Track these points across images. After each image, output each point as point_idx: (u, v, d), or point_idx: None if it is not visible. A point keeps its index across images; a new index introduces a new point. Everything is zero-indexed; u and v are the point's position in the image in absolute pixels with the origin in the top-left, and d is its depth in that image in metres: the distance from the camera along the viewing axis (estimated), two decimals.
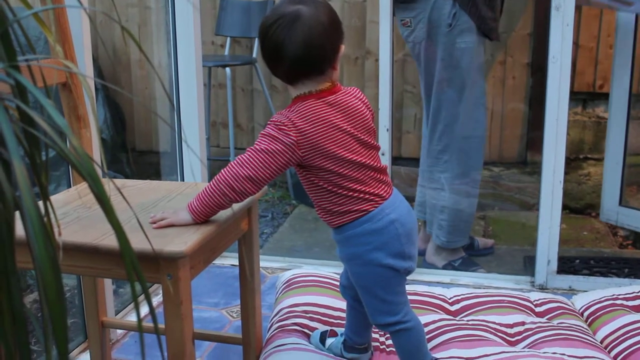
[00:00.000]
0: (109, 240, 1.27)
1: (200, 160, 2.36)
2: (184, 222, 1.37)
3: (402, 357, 1.56)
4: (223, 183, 1.37)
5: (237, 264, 1.65)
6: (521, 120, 3.97)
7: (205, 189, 1.38)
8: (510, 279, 2.44)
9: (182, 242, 1.26)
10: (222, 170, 1.38)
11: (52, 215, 0.75)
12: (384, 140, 2.39)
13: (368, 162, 1.43)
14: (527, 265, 2.61)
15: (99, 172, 1.62)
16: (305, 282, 2.03)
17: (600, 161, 3.63)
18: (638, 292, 2.05)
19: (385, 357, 1.73)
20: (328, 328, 1.78)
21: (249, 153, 1.38)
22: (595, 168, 3.82)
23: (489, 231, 3.35)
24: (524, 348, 1.77)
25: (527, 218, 3.40)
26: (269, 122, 1.39)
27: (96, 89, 3.84)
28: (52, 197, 1.56)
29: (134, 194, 1.60)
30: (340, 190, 1.42)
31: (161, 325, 1.32)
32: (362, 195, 1.43)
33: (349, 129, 1.41)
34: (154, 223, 1.36)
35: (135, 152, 4.31)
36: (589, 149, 3.99)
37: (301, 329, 1.79)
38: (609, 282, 2.31)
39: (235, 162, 1.38)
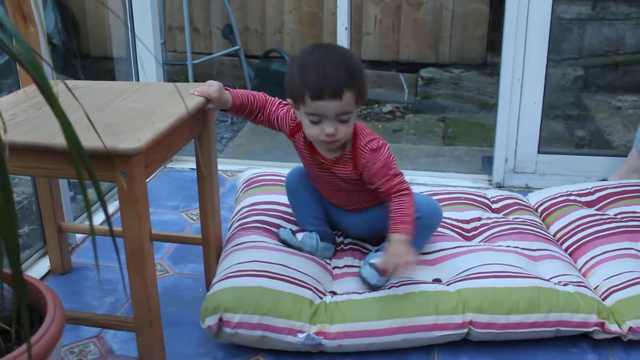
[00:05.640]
0: (61, 139, 1.24)
1: (155, 58, 2.29)
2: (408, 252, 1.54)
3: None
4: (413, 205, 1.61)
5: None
6: (482, 21, 3.94)
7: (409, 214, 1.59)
8: (468, 177, 2.48)
9: (136, 139, 1.24)
10: (406, 197, 1.60)
11: None
12: (343, 39, 2.35)
13: None
14: (486, 165, 2.64)
15: (49, 71, 1.56)
16: (267, 182, 2.02)
17: (560, 63, 3.64)
18: (591, 189, 2.10)
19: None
20: (295, 227, 1.79)
21: (401, 177, 1.62)
22: (555, 70, 3.83)
23: (449, 133, 3.37)
24: (479, 242, 1.81)
25: (486, 119, 3.42)
26: (378, 148, 1.60)
27: None
28: None
29: (86, 94, 1.55)
30: None
31: (120, 228, 1.32)
32: None
33: None
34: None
35: (89, 58, 4.18)
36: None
37: (262, 225, 1.80)
38: (564, 180, 2.35)
39: (408, 186, 1.62)
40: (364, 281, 1.61)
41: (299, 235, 1.73)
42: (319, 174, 1.69)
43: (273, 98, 1.68)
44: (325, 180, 1.69)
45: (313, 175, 1.73)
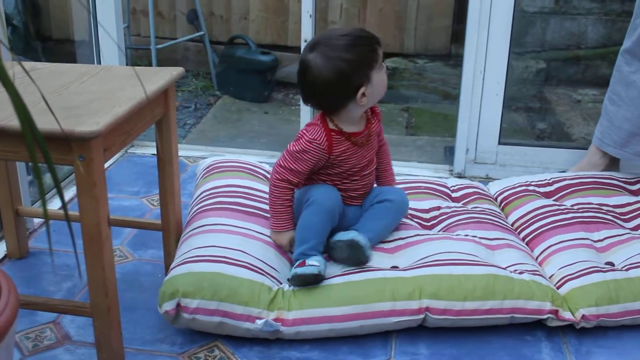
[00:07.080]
0: (17, 121, 1.22)
1: (118, 45, 2.27)
2: None
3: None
4: None
5: None
6: (447, 12, 3.96)
7: None
8: (430, 167, 2.50)
9: (94, 122, 1.22)
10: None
11: None
12: (307, 27, 2.34)
13: None
14: (447, 155, 2.66)
15: (5, 52, 1.53)
16: (227, 168, 2.01)
17: (522, 55, 3.68)
18: (550, 180, 2.14)
19: None
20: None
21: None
22: (517, 62, 3.87)
23: (412, 122, 3.39)
24: (439, 231, 1.83)
25: (449, 110, 3.44)
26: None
27: None
28: None
29: (44, 77, 1.53)
30: None
31: (76, 213, 1.30)
32: None
33: None
34: None
35: (51, 40, 4.11)
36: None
37: (221, 206, 1.77)
38: (524, 171, 2.39)
39: None
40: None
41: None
42: (363, 157, 1.69)
43: (293, 174, 1.64)
44: (365, 158, 1.71)
45: (356, 167, 1.70)
